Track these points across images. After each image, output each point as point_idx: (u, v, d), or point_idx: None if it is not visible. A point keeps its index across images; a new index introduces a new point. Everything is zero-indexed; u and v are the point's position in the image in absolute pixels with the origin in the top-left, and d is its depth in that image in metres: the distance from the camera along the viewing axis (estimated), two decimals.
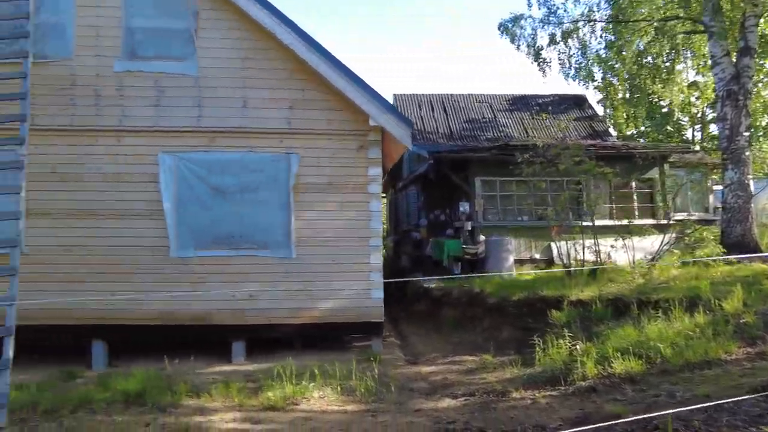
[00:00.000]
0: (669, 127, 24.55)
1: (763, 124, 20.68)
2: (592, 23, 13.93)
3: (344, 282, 6.92)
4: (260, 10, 6.50)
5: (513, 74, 70.19)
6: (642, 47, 14.07)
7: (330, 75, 6.60)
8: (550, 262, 11.41)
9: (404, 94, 18.37)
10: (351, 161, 6.93)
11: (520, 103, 18.63)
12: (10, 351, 4.87)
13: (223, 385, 5.31)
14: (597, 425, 3.36)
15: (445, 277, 10.03)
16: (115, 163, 6.75)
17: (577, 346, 5.40)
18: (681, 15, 12.35)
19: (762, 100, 17.09)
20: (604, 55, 14.24)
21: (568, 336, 5.71)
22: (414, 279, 10.29)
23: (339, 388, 5.19)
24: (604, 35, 13.91)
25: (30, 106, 5.77)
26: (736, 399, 3.47)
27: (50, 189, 6.64)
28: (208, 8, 6.82)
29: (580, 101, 18.97)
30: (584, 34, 13.89)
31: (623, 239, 8.88)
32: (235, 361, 6.84)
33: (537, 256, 11.63)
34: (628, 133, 23.52)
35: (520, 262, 11.24)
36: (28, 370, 6.22)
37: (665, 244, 9.23)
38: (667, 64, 15.28)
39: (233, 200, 6.77)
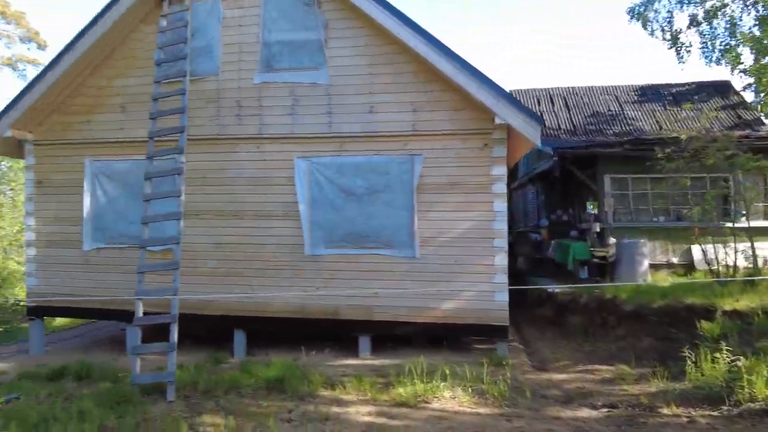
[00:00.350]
0: None
1: None
2: None
3: (467, 283, 6.85)
4: (388, 17, 6.68)
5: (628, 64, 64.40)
6: None
7: (454, 74, 6.57)
8: (690, 267, 10.33)
9: (521, 89, 17.77)
10: (474, 161, 6.84)
11: (650, 93, 17.05)
12: (175, 336, 5.52)
13: (356, 379, 5.53)
14: None
15: (579, 285, 9.52)
16: (255, 168, 7.36)
17: (739, 362, 4.80)
18: None
19: None
20: (758, 34, 12.53)
21: (726, 350, 5.10)
22: (544, 285, 9.89)
23: (470, 390, 5.15)
24: (759, 8, 12.22)
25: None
26: None
27: (200, 192, 7.42)
28: (337, 18, 7.16)
29: (723, 88, 16.87)
30: (733, 11, 12.34)
31: None
32: (362, 356, 7.09)
33: (675, 260, 10.58)
34: None
35: (655, 267, 10.31)
36: (182, 354, 7.00)
37: None
38: None
39: (360, 201, 7.03)
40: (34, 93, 7.74)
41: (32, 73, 28.65)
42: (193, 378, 5.75)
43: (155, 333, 6.68)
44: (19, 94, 7.84)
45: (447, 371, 5.43)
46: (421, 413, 4.71)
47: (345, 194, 7.06)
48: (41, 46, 29.44)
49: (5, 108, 7.87)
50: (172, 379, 5.23)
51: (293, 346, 7.61)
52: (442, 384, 5.23)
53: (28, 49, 29.07)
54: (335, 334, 7.38)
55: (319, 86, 7.17)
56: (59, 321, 12.00)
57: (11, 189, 20.42)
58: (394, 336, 7.26)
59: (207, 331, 7.73)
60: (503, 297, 6.81)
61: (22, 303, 17.57)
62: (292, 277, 7.19)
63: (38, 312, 8.23)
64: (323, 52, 7.18)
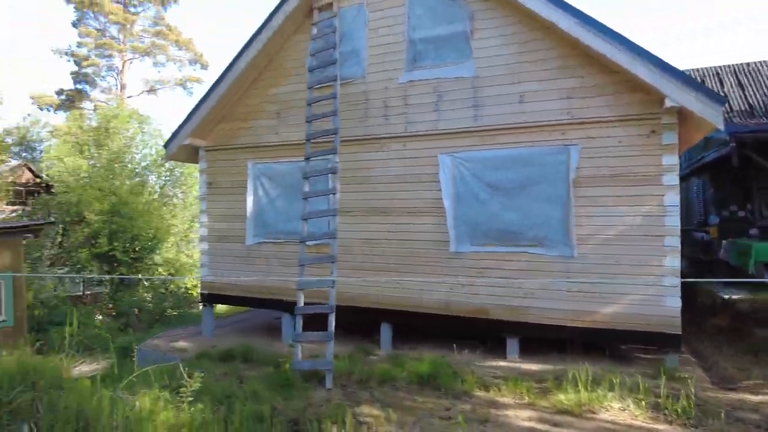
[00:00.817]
0: None
1: None
2: None
3: (630, 286, 6.20)
4: (537, 0, 6.31)
5: None
6: None
7: (613, 55, 5.98)
8: None
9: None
10: (640, 149, 6.16)
11: None
12: (332, 326, 5.77)
13: (512, 381, 5.29)
14: None
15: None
16: (401, 166, 7.45)
17: None
18: None
19: None
20: None
21: None
22: (718, 291, 8.66)
23: (643, 403, 4.62)
24: None
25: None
26: None
27: (350, 191, 7.71)
28: (482, 9, 6.96)
29: None
30: None
31: None
32: (509, 358, 6.80)
33: None
34: None
35: None
36: (339, 343, 7.31)
37: None
38: None
39: (508, 196, 6.74)
40: (206, 105, 8.72)
41: (198, 90, 32.65)
42: (347, 368, 5.97)
43: (305, 322, 7.10)
44: (194, 108, 8.89)
45: (615, 380, 4.94)
46: (588, 423, 4.33)
47: (491, 189, 6.82)
48: (204, 66, 33.44)
49: (184, 120, 8.98)
50: (330, 368, 5.47)
51: (437, 343, 7.57)
52: (610, 394, 4.76)
53: (194, 70, 33.21)
54: (480, 333, 7.18)
55: (464, 79, 7.03)
56: (219, 308, 13.46)
57: (182, 192, 23.39)
58: (544, 339, 6.85)
59: (352, 322, 8.02)
60: (675, 302, 6.05)
61: (190, 291, 20.11)
62: (437, 273, 7.15)
63: (210, 299, 9.25)
64: (468, 45, 7.02)
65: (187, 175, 22.70)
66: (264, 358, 6.92)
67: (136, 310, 17.35)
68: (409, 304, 7.37)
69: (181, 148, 9.11)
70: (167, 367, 4.95)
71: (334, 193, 6.46)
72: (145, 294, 18.76)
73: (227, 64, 8.59)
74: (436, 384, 5.38)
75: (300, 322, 6.16)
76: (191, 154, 9.45)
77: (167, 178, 22.68)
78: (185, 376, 4.30)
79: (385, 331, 7.59)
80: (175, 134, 9.14)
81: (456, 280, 7.03)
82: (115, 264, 18.38)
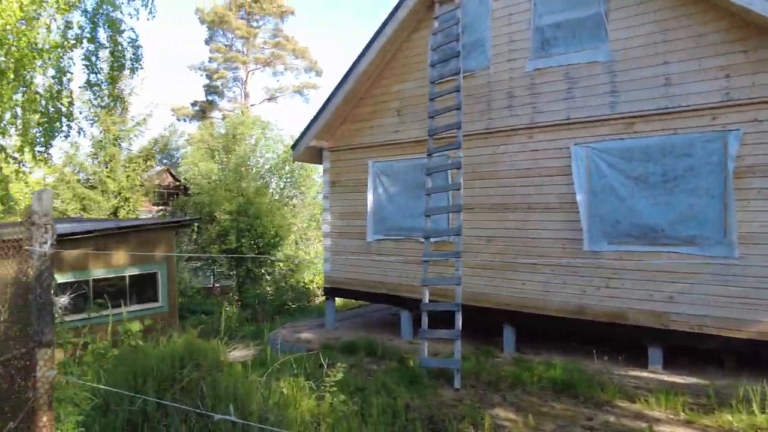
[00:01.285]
0: None
1: None
2: None
3: None
4: None
5: None
6: None
7: None
8: None
9: None
10: None
11: None
12: (459, 324, 5.63)
13: (663, 394, 4.76)
14: None
15: None
16: (526, 160, 7.10)
17: None
18: None
19: None
20: None
21: None
22: None
23: None
24: None
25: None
26: None
27: (471, 187, 7.51)
28: None
29: None
30: None
31: None
32: (651, 368, 6.16)
33: None
34: None
35: None
36: (450, 343, 7.12)
37: None
38: None
39: (652, 190, 6.11)
40: (330, 108, 9.05)
41: (314, 96, 34.32)
42: (474, 368, 5.80)
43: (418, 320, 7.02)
44: (319, 111, 9.27)
45: None
46: None
47: (633, 182, 6.23)
48: (318, 74, 35.08)
49: (309, 123, 9.41)
50: (459, 367, 5.34)
51: (563, 348, 7.11)
52: None
53: (309, 77, 34.98)
54: (616, 339, 6.59)
55: (599, 64, 6.50)
56: (336, 302, 13.94)
57: (300, 193, 24.73)
58: (689, 350, 6.11)
59: (470, 322, 7.82)
60: None
61: (307, 286, 21.16)
62: (566, 274, 6.69)
63: (331, 293, 9.58)
64: (603, 27, 6.48)
65: (305, 177, 23.94)
66: (387, 353, 6.97)
67: (256, 301, 18.63)
68: (533, 305, 6.99)
69: (307, 149, 9.54)
70: (304, 357, 5.15)
71: (458, 189, 6.32)
72: (268, 287, 20.10)
73: (348, 67, 8.84)
74: (573, 391, 5.02)
75: (426, 319, 6.10)
76: (315, 155, 9.87)
77: (287, 180, 24.11)
78: (325, 367, 4.44)
79: (508, 334, 7.27)
80: (301, 137, 9.60)
81: (589, 282, 6.52)
82: (242, 259, 19.91)
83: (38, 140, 8.18)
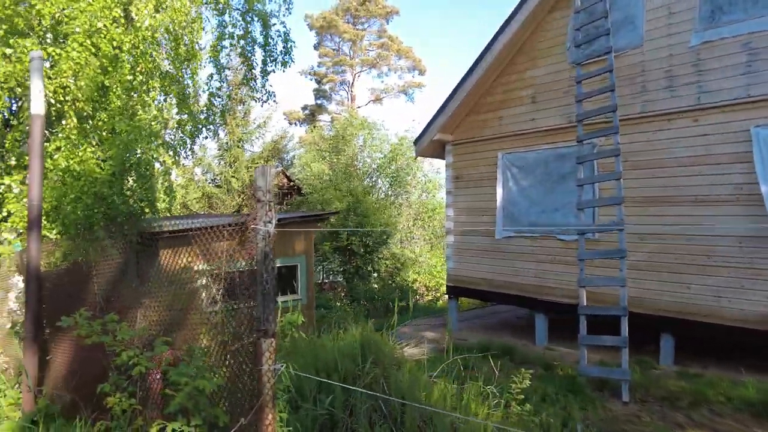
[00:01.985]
0: None
1: None
2: None
3: None
4: None
5: None
6: None
7: None
8: None
9: None
10: None
11: None
12: (625, 330, 5.00)
13: None
14: None
15: None
16: (690, 146, 6.24)
17: None
18: None
19: None
20: None
21: None
22: None
23: None
24: None
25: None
26: None
27: (624, 177, 6.76)
28: None
29: None
30: None
31: None
32: None
33: None
34: None
35: None
36: (593, 351, 6.43)
37: None
38: None
39: None
40: (454, 101, 8.73)
41: (419, 96, 34.34)
42: (641, 381, 5.14)
43: (561, 325, 6.39)
44: (442, 105, 8.99)
45: None
46: None
47: None
48: (422, 73, 35.00)
49: (432, 117, 9.17)
50: (628, 378, 4.73)
51: (733, 362, 6.12)
52: None
53: (412, 76, 35.02)
54: None
55: None
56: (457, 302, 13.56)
57: (405, 192, 24.70)
58: None
59: (614, 328, 7.08)
60: None
61: (412, 284, 21.04)
62: (748, 277, 5.74)
63: (454, 292, 9.24)
64: None
65: (412, 176, 23.90)
66: (527, 358, 6.48)
67: (364, 298, 18.82)
68: (700, 312, 6.10)
69: (430, 144, 9.31)
70: (469, 358, 4.86)
71: (618, 178, 5.66)
72: (374, 285, 20.27)
73: (476, 58, 8.45)
74: None
75: (584, 324, 5.51)
76: (438, 150, 9.60)
77: (393, 178, 24.23)
78: (470, 369, 4.10)
79: (667, 344, 6.43)
80: (424, 131, 9.39)
81: None
82: (351, 256, 20.28)
83: (184, 140, 8.76)
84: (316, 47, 34.40)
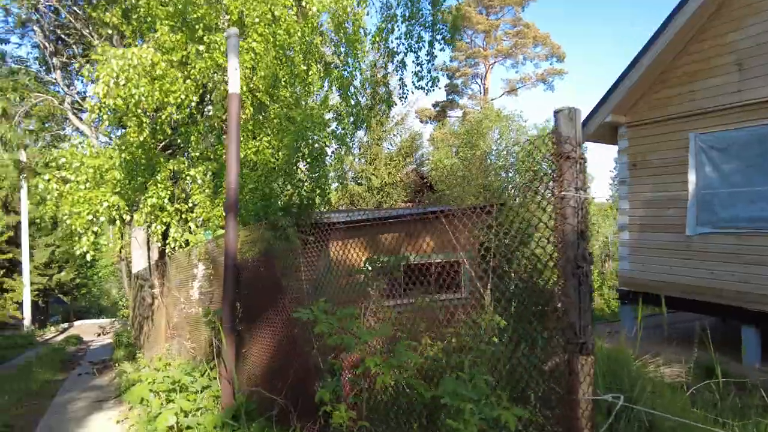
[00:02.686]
0: None
1: None
2: None
3: None
4: None
5: None
6: None
7: None
8: None
9: None
10: None
11: None
12: None
13: None
14: None
15: None
16: None
17: None
18: None
19: None
20: None
21: None
22: None
23: None
24: None
25: None
26: None
27: None
28: None
29: None
30: None
31: None
32: None
33: None
34: None
35: None
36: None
37: None
38: None
39: None
40: (629, 78, 7.62)
41: (558, 84, 32.15)
42: None
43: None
44: (615, 83, 7.90)
45: None
46: None
47: None
48: (560, 59, 32.74)
49: (602, 98, 8.11)
50: None
51: None
52: None
53: (550, 63, 32.93)
54: None
55: None
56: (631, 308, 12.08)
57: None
58: None
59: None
60: None
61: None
62: None
63: (630, 297, 8.07)
64: None
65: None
66: (744, 383, 5.27)
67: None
68: None
69: (599, 127, 8.27)
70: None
71: None
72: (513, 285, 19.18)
73: (658, 27, 7.25)
74: None
75: None
76: (608, 134, 8.50)
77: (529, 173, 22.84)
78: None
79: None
80: (591, 114, 8.37)
81: None
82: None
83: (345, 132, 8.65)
84: (449, 41, 33.86)
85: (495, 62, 33.14)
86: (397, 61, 8.59)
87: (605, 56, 66.96)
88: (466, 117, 27.72)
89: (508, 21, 32.74)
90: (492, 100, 32.51)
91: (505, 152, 24.22)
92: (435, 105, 34.90)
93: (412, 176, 25.26)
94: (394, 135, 20.74)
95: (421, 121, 34.67)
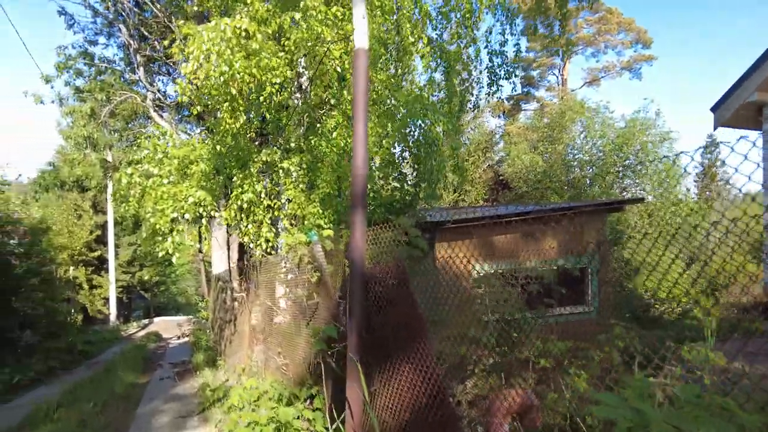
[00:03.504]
0: None
1: None
2: None
3: None
4: None
5: None
6: None
7: None
8: None
9: None
10: None
11: None
12: None
13: None
14: None
15: None
16: None
17: None
18: None
19: None
20: None
21: None
22: None
23: None
24: None
25: None
26: None
27: None
28: None
29: None
30: None
31: None
32: None
33: None
34: None
35: None
36: None
37: None
38: None
39: None
40: None
41: (646, 70, 29.61)
42: None
43: None
44: (760, 58, 6.55)
45: None
46: None
47: None
48: (646, 45, 30.20)
49: (744, 74, 6.82)
50: None
51: None
52: None
53: (635, 50, 30.47)
54: None
55: None
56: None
57: (636, 183, 21.10)
58: None
59: None
60: None
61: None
62: None
63: None
64: None
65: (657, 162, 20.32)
66: None
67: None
68: None
69: (740, 108, 6.93)
70: None
71: None
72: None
73: None
74: None
75: None
76: (750, 117, 7.12)
77: (625, 167, 20.94)
78: None
79: None
80: (728, 94, 7.05)
81: None
82: None
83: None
84: (523, 32, 32.19)
85: (575, 51, 31.06)
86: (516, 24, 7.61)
87: (697, 41, 61.59)
88: (545, 110, 26.07)
89: (588, 8, 30.56)
90: (571, 90, 30.50)
91: (589, 146, 22.42)
92: (509, 98, 33.25)
93: (489, 173, 24.04)
94: (471, 129, 19.65)
95: (494, 116, 33.18)
